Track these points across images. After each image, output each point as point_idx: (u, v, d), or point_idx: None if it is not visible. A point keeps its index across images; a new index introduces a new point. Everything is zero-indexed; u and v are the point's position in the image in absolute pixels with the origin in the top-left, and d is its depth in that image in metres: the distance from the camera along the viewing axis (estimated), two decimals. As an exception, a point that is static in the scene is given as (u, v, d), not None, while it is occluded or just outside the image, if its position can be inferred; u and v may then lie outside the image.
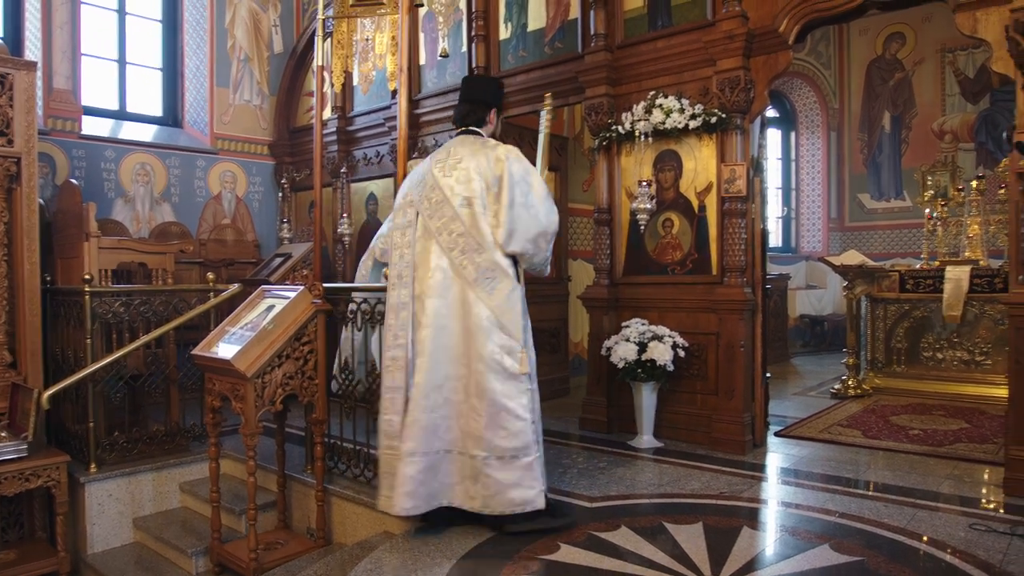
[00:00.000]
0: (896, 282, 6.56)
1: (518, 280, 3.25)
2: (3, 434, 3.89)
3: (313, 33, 6.23)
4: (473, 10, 5.91)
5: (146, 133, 7.40)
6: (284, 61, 8.07)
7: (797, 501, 3.58)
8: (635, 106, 4.90)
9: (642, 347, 4.54)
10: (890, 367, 6.61)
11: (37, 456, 3.85)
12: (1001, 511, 3.39)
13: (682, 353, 4.56)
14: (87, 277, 4.26)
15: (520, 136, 6.07)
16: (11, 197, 4.22)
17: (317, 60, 4.18)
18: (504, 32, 5.85)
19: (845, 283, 6.77)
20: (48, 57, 6.47)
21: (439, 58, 6.23)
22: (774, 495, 3.72)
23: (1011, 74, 3.65)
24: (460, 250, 3.17)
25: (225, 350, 3.43)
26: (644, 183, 4.82)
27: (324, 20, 4.10)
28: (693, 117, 4.62)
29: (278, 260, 6.35)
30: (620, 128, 4.94)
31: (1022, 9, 3.47)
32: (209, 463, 3.64)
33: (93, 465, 4.23)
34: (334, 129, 7.10)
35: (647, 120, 4.77)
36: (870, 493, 3.71)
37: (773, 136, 10.76)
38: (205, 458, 3.96)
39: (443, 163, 3.32)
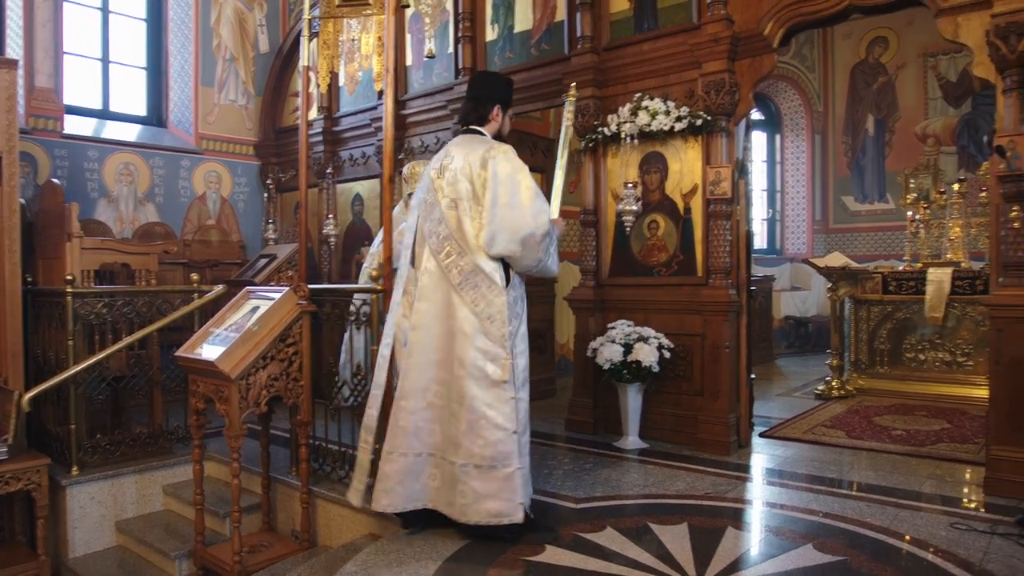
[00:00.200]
0: (879, 284, 6.62)
1: (507, 284, 3.11)
2: (-17, 437, 3.85)
3: (299, 33, 6.22)
4: (460, 11, 5.91)
5: (130, 133, 7.35)
6: (270, 61, 8.04)
7: (781, 501, 3.60)
8: (621, 108, 4.92)
9: (628, 348, 4.55)
10: (873, 368, 6.66)
11: (17, 459, 3.81)
12: (982, 510, 3.43)
13: (667, 354, 4.57)
14: (69, 278, 4.22)
15: (510, 138, 6.04)
16: (-9, 197, 4.18)
17: (303, 60, 4.17)
18: (491, 33, 5.86)
19: (829, 285, 6.81)
20: (30, 55, 6.40)
21: (425, 59, 6.23)
22: (759, 495, 3.74)
23: (992, 79, 3.70)
24: (446, 253, 3.14)
25: (209, 351, 3.41)
26: (630, 185, 4.84)
27: (310, 20, 4.09)
28: (679, 119, 4.64)
29: (263, 261, 6.32)
30: (606, 130, 4.96)
31: (1003, 14, 3.52)
32: (193, 465, 3.62)
33: (75, 468, 4.19)
34: (320, 130, 7.08)
35: (633, 122, 4.79)
36: (853, 493, 3.74)
37: (758, 139, 10.82)
38: (189, 460, 3.94)
39: (439, 164, 3.28)
